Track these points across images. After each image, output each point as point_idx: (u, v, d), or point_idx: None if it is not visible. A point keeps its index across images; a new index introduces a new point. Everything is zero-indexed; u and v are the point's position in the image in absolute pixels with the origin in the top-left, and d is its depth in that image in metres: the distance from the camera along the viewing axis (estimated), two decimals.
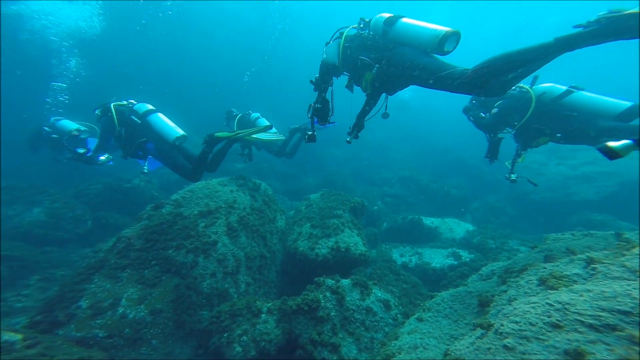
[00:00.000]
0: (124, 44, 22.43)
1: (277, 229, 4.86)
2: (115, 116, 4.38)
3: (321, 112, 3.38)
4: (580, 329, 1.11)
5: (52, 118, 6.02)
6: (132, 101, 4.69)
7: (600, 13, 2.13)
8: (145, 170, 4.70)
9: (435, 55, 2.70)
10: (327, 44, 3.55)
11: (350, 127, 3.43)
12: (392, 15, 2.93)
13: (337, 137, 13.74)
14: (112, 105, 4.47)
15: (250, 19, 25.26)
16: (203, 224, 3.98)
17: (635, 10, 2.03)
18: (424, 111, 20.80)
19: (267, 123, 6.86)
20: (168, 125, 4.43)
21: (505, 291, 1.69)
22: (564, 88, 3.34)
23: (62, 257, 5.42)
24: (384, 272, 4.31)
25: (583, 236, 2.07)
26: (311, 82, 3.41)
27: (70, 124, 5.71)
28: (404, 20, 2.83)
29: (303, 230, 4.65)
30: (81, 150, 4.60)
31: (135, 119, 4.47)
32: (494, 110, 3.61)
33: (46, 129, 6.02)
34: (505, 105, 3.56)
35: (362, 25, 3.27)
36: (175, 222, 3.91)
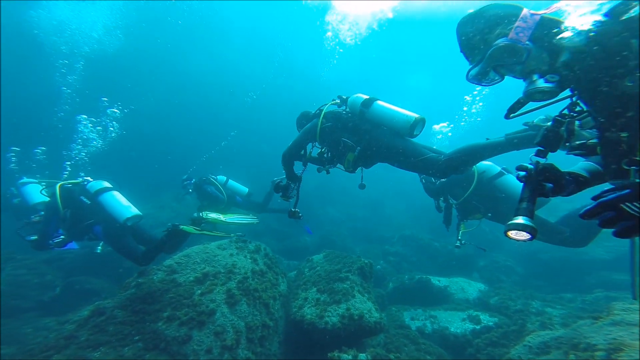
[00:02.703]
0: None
1: (280, 293, 4.43)
2: (59, 198, 4.10)
3: (285, 188, 3.60)
4: None
5: (23, 178, 5.43)
6: (88, 178, 4.45)
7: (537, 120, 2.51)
8: (99, 251, 4.34)
9: (406, 137, 3.10)
10: (307, 118, 3.80)
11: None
12: (368, 97, 3.29)
13: (331, 196, 13.81)
14: (57, 186, 4.21)
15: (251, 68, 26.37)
16: (199, 292, 3.58)
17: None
18: None
19: (238, 184, 6.87)
20: (121, 204, 4.15)
21: None
22: (499, 169, 3.57)
23: (10, 330, 4.46)
24: (401, 340, 3.84)
25: None
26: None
27: (34, 193, 5.05)
28: (379, 102, 3.21)
29: (309, 295, 4.25)
30: (32, 238, 4.17)
31: (85, 200, 4.20)
32: (443, 179, 3.82)
33: (13, 190, 5.54)
34: (450, 178, 3.76)
35: (339, 102, 3.60)
36: (168, 290, 3.50)
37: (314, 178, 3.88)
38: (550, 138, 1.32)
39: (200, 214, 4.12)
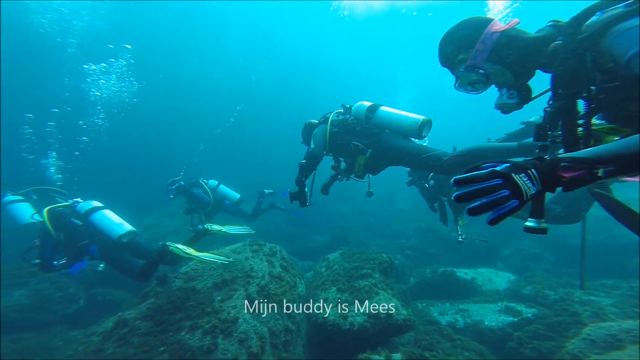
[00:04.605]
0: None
1: (299, 295, 4.27)
2: (48, 223, 4.02)
3: (301, 195, 3.60)
4: None
5: (7, 196, 4.92)
6: (78, 199, 4.39)
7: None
8: (101, 269, 4.28)
9: (413, 139, 3.17)
10: (312, 127, 3.78)
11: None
12: (372, 103, 3.34)
13: (341, 193, 13.60)
14: (44, 211, 4.11)
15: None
16: (219, 298, 3.46)
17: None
18: None
19: (229, 190, 6.83)
20: (113, 222, 4.12)
21: None
22: None
23: (42, 343, 4.59)
24: (434, 337, 3.61)
25: None
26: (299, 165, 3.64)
27: (24, 214, 4.64)
28: (384, 108, 3.26)
29: (329, 295, 4.08)
30: (36, 262, 4.08)
31: (76, 221, 4.16)
32: (431, 182, 3.81)
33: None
34: (438, 178, 3.74)
35: (343, 111, 3.63)
36: (187, 298, 3.40)
37: (323, 176, 3.80)
38: (539, 134, 1.38)
39: (205, 226, 4.12)
